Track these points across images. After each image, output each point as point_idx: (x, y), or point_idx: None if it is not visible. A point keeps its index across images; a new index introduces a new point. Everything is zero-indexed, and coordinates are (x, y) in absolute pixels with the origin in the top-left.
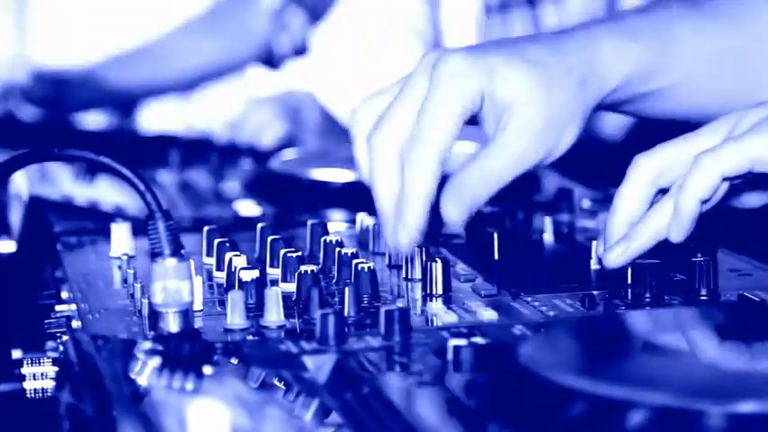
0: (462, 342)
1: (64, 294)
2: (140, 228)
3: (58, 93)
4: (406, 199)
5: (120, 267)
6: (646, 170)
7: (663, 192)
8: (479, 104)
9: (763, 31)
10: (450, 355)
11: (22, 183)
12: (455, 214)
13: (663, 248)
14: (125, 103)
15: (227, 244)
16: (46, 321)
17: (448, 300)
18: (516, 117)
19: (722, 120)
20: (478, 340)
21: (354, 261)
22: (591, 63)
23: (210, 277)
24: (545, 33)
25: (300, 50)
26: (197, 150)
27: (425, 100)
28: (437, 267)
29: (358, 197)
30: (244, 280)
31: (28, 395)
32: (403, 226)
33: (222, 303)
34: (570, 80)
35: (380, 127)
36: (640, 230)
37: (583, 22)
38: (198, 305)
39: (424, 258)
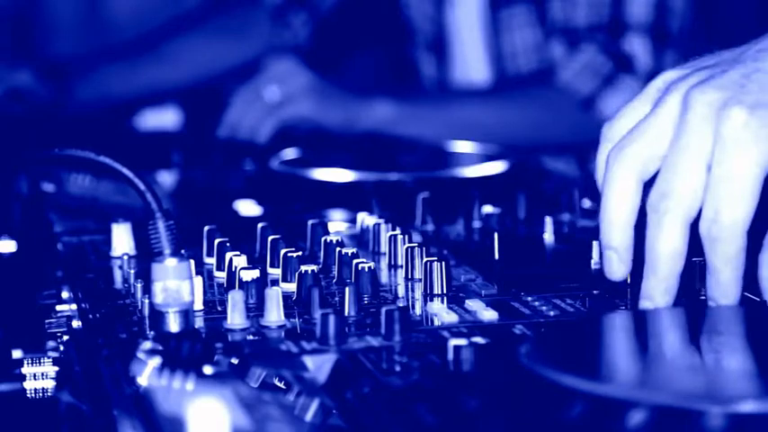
0: (462, 342)
1: (64, 294)
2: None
3: (62, 92)
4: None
5: (120, 267)
6: (630, 166)
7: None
8: None
9: None
10: (450, 355)
11: (23, 183)
12: None
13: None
14: (127, 102)
15: (228, 244)
16: (46, 321)
17: (448, 300)
18: None
19: (660, 88)
20: (478, 340)
21: (354, 261)
22: None
23: (211, 277)
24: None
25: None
26: (197, 150)
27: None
28: (437, 267)
29: (358, 197)
30: (244, 280)
31: (28, 395)
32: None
33: (222, 303)
34: None
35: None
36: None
37: None
38: (198, 305)
39: (424, 258)
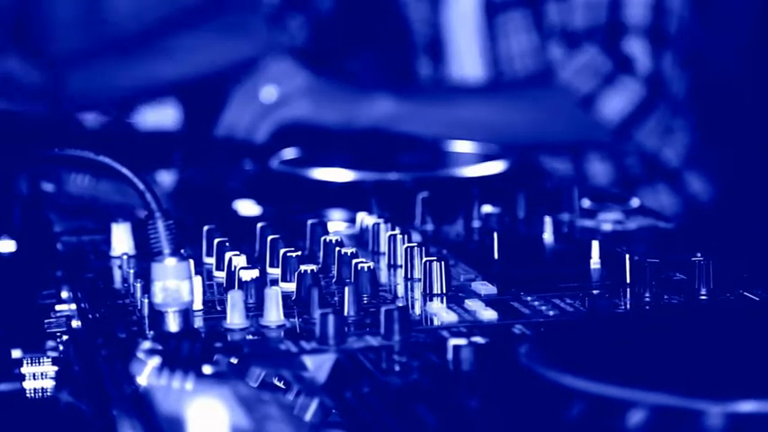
0: (462, 342)
1: (64, 294)
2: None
3: (55, 81)
4: None
5: (119, 267)
6: None
7: None
8: None
9: None
10: (450, 355)
11: (23, 183)
12: None
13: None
14: (126, 101)
15: (227, 244)
16: (46, 321)
17: (448, 300)
18: None
19: None
20: (478, 340)
21: (354, 261)
22: None
23: (210, 277)
24: None
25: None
26: (196, 150)
27: None
28: (437, 267)
29: (358, 197)
30: (244, 280)
31: (28, 395)
32: None
33: (222, 303)
34: None
35: None
36: None
37: None
38: (197, 305)
39: (423, 258)
